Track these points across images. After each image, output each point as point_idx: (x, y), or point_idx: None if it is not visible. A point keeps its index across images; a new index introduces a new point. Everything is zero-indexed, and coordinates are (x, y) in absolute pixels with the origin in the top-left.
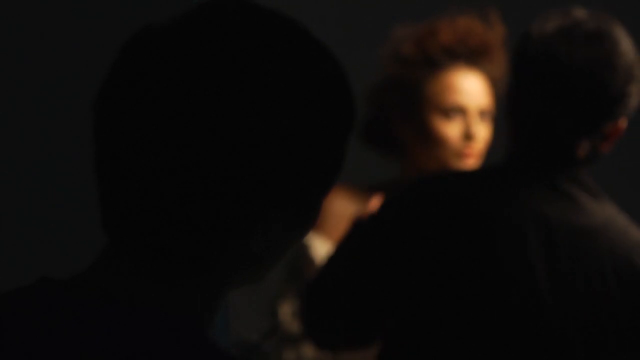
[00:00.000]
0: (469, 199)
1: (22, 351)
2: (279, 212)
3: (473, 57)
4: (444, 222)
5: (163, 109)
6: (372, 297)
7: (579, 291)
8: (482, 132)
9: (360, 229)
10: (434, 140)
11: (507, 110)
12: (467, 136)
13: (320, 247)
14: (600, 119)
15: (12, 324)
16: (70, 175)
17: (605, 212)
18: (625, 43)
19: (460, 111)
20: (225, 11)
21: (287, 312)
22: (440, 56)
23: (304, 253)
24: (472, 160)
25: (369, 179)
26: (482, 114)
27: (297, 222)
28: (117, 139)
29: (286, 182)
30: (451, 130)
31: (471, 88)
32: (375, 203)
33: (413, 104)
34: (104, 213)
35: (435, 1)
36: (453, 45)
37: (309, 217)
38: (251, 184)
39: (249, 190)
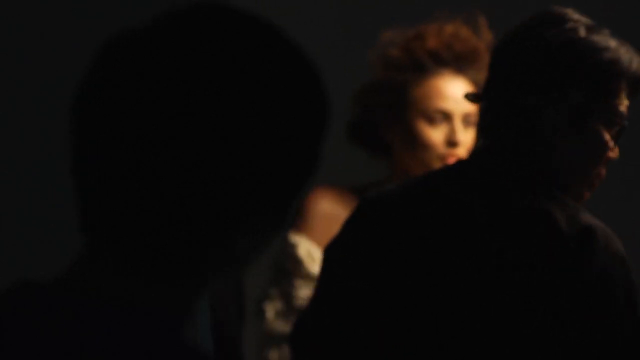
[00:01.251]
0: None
1: (6, 355)
2: (257, 214)
3: (459, 62)
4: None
5: (142, 114)
6: (364, 324)
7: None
8: (466, 138)
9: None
10: (418, 144)
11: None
12: (451, 142)
13: (306, 248)
14: None
15: None
16: (46, 175)
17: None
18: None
19: (445, 117)
20: (200, 15)
21: (272, 313)
22: (427, 61)
23: (290, 253)
24: None
25: (356, 180)
26: (467, 119)
27: (274, 221)
28: (97, 140)
29: (264, 185)
30: (435, 135)
31: (457, 94)
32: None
33: (399, 108)
34: (84, 214)
35: (428, 4)
36: (440, 51)
37: (286, 217)
38: (230, 188)
39: (228, 194)
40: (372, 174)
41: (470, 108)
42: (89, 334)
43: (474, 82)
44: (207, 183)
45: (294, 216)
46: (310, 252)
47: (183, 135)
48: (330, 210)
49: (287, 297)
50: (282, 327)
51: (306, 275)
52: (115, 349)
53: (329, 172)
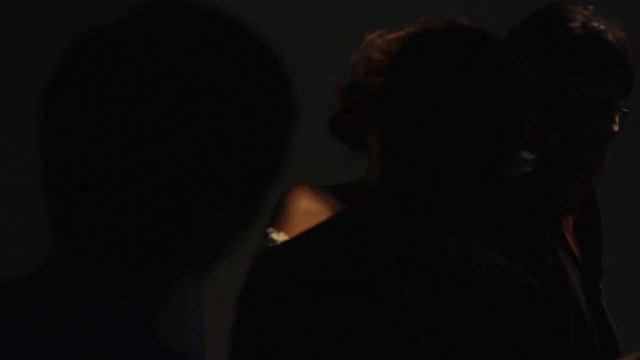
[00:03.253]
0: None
1: None
2: (225, 209)
3: None
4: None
5: (107, 113)
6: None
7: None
8: None
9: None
10: None
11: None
12: None
13: None
14: None
15: None
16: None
17: None
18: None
19: None
20: (165, 12)
21: None
22: None
23: None
24: None
25: (336, 179)
26: None
27: (243, 216)
28: (65, 138)
29: (231, 180)
30: None
31: None
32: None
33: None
34: (53, 212)
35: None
36: None
37: (255, 211)
38: (198, 182)
39: (195, 189)
40: (351, 173)
41: None
42: (62, 333)
43: None
44: (175, 178)
45: (273, 214)
46: None
47: (150, 131)
48: (308, 208)
49: None
50: None
51: None
52: (86, 347)
53: (308, 171)
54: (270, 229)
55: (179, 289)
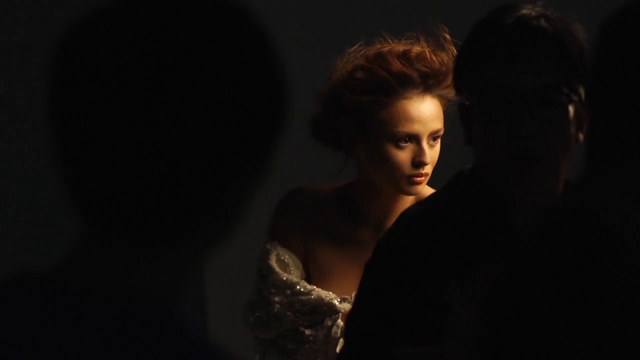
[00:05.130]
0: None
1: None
2: (236, 179)
3: (425, 83)
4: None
5: (115, 99)
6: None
7: None
8: (432, 155)
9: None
10: (384, 164)
11: None
12: (418, 164)
13: (277, 255)
14: None
15: None
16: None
17: None
18: None
19: (411, 138)
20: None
21: (253, 319)
22: (392, 84)
23: (264, 261)
24: (420, 186)
25: (333, 180)
26: (434, 136)
27: (251, 187)
28: (82, 126)
29: (238, 141)
30: (402, 156)
31: (423, 115)
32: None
33: (364, 129)
34: (75, 199)
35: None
36: (405, 73)
37: (263, 167)
38: (208, 156)
39: (208, 163)
40: (347, 175)
41: (437, 125)
42: (85, 327)
43: (440, 98)
44: (182, 154)
45: (272, 218)
46: (281, 259)
47: (157, 112)
48: (301, 214)
49: (266, 303)
50: (263, 333)
51: (279, 282)
52: (109, 338)
53: (304, 173)
54: (266, 239)
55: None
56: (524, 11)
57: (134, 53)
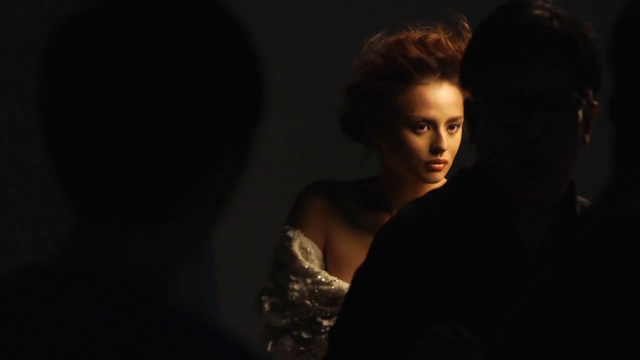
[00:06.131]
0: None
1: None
2: (227, 146)
3: (443, 69)
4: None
5: (103, 84)
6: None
7: None
8: (451, 143)
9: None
10: (403, 150)
11: None
12: (436, 149)
13: (300, 243)
14: None
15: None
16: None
17: None
18: None
19: (429, 124)
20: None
21: (268, 306)
22: (410, 70)
23: (285, 248)
24: (440, 174)
25: (352, 175)
26: (452, 124)
27: (242, 154)
28: (69, 107)
29: (225, 116)
30: (420, 142)
31: (441, 101)
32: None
33: (383, 115)
34: (66, 183)
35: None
36: (422, 59)
37: (250, 148)
38: (197, 124)
39: (197, 130)
40: (368, 170)
41: (455, 113)
42: (89, 320)
43: (459, 86)
44: (176, 126)
45: (292, 211)
46: (304, 247)
47: (145, 93)
48: (324, 206)
49: (283, 291)
50: (278, 320)
51: (300, 269)
52: (112, 327)
53: (325, 168)
54: (286, 227)
55: (196, 248)
56: (537, 12)
57: (117, 44)
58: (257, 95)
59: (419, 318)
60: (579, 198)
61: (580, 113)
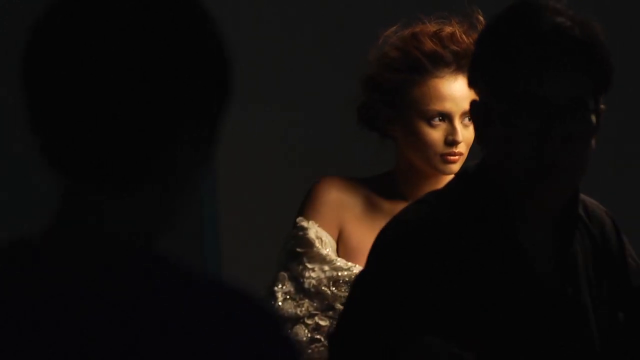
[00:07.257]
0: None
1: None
2: (191, 122)
3: (458, 62)
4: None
5: (82, 62)
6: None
7: None
8: (466, 135)
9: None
10: (418, 143)
11: None
12: (451, 142)
13: (315, 231)
14: None
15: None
16: None
17: None
18: None
19: (444, 117)
20: None
21: (282, 295)
22: (425, 63)
23: (301, 237)
24: (455, 165)
25: (364, 171)
26: (467, 116)
27: (207, 134)
28: (48, 83)
29: (189, 94)
30: (435, 135)
31: (456, 94)
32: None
33: (398, 107)
34: (49, 155)
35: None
36: (437, 52)
37: (215, 135)
38: (162, 100)
39: (162, 106)
40: (380, 169)
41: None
42: (72, 290)
43: None
44: (141, 104)
45: (303, 203)
46: (319, 236)
47: (119, 69)
48: (337, 197)
49: (297, 279)
50: (292, 308)
51: (317, 256)
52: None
53: (338, 164)
54: (300, 218)
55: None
56: (558, 19)
57: (92, 25)
58: (222, 72)
59: (421, 321)
60: (581, 196)
61: (594, 118)
